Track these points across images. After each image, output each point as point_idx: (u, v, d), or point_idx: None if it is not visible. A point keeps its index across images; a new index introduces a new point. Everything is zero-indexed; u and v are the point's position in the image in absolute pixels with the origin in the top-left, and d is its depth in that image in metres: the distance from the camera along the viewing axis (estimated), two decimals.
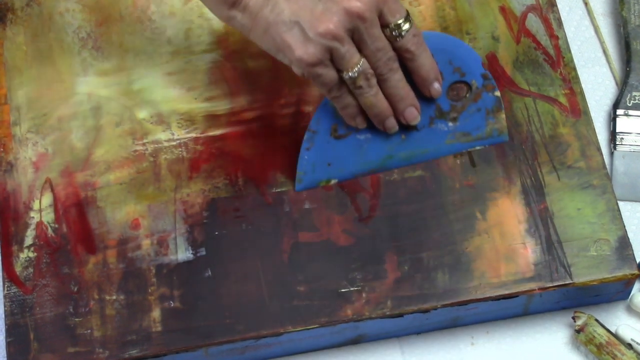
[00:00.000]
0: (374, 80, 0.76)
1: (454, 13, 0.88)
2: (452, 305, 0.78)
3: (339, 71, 0.75)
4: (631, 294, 0.81)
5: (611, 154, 0.86)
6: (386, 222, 0.80)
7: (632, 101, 0.87)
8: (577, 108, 0.84)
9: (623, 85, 0.88)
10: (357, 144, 0.80)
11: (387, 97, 0.78)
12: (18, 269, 0.80)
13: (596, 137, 0.83)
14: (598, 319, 0.80)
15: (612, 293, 0.81)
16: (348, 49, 0.73)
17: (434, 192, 0.81)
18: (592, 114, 0.85)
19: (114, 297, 0.79)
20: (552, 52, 0.86)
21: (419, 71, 0.77)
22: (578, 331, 0.79)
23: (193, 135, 0.84)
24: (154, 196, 0.82)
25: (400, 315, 0.78)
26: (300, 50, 0.73)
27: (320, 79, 0.75)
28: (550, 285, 0.78)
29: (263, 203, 0.81)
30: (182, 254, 0.80)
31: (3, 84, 0.86)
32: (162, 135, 0.84)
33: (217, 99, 0.85)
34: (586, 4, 0.92)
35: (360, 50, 0.75)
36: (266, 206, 0.81)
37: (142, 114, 0.85)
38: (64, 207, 0.82)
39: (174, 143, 0.84)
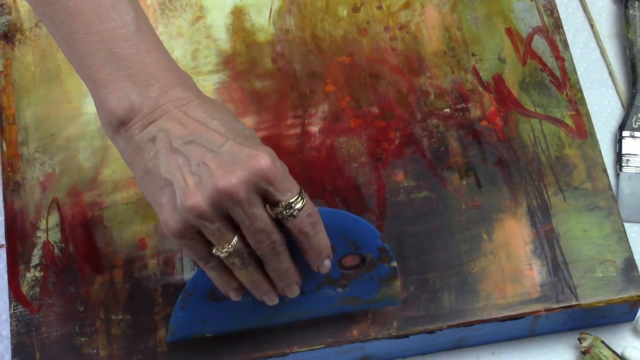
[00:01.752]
0: (250, 260, 0.69)
1: (460, 34, 0.90)
2: (457, 326, 0.79)
3: (211, 244, 0.68)
4: (637, 316, 0.82)
5: (617, 175, 0.87)
6: (392, 243, 0.81)
7: (638, 123, 0.88)
8: (583, 129, 0.85)
9: (629, 107, 0.89)
10: (235, 305, 0.76)
11: (268, 273, 0.71)
12: (24, 288, 0.81)
13: (602, 158, 0.84)
14: (604, 340, 0.81)
15: (618, 314, 0.82)
16: (218, 228, 0.66)
17: (440, 212, 0.83)
18: (598, 135, 0.86)
19: (120, 317, 0.80)
20: (558, 73, 0.88)
21: (310, 251, 0.71)
22: (584, 353, 0.80)
23: None
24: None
25: (406, 336, 0.79)
26: (167, 215, 0.66)
27: (187, 249, 0.69)
28: (556, 306, 0.79)
29: None
30: (188, 273, 0.81)
31: (11, 104, 0.88)
32: None
33: None
34: (592, 25, 0.94)
35: (238, 227, 0.68)
36: None
37: None
38: (71, 227, 0.83)
39: None
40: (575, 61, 0.90)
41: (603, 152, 0.86)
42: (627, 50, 0.91)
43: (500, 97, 0.87)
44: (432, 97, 0.87)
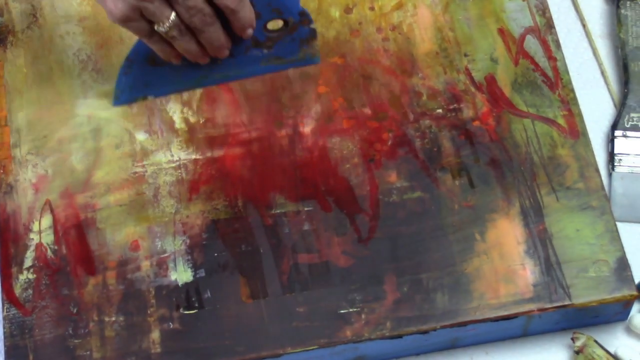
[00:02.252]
0: (186, 31, 0.80)
1: (452, 34, 0.91)
2: (451, 326, 0.79)
3: (151, 23, 0.79)
4: (630, 315, 0.83)
5: (610, 175, 0.88)
6: (386, 244, 0.82)
7: (630, 122, 0.89)
8: (576, 129, 0.86)
9: (621, 107, 0.90)
10: (173, 69, 0.86)
11: (201, 41, 0.83)
12: (17, 290, 0.82)
13: (594, 158, 0.85)
14: (597, 339, 0.81)
15: (611, 314, 0.82)
16: (157, 6, 0.77)
17: (433, 213, 0.83)
18: (591, 135, 0.87)
19: (114, 319, 0.81)
20: (550, 73, 0.89)
21: (236, 23, 0.82)
22: (577, 352, 0.80)
23: (192, 157, 0.86)
24: (153, 218, 0.84)
25: (400, 336, 0.79)
26: (110, 4, 0.77)
27: (132, 29, 0.79)
28: (549, 306, 0.79)
29: (262, 224, 0.83)
30: (182, 275, 0.82)
31: (3, 106, 0.88)
32: (161, 157, 0.86)
33: (216, 121, 0.88)
34: (584, 25, 0.94)
35: (172, 5, 0.78)
36: (265, 227, 0.83)
37: (142, 135, 0.87)
38: (64, 229, 0.84)
39: (174, 165, 0.86)
40: (567, 61, 0.90)
41: (595, 152, 0.87)
42: (619, 49, 0.92)
43: (492, 98, 0.88)
44: (424, 97, 0.88)
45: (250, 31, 0.83)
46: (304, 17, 0.87)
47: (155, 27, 0.79)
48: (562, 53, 0.90)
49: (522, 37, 0.90)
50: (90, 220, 0.84)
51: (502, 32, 0.91)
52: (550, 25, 0.91)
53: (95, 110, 0.88)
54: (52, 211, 0.84)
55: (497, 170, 0.85)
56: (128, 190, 0.85)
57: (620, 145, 0.88)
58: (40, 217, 0.84)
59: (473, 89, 0.88)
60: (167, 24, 0.78)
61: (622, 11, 0.92)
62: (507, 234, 0.82)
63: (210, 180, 0.85)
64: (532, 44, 0.90)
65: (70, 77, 0.89)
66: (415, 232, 0.83)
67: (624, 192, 0.87)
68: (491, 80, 0.89)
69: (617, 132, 0.89)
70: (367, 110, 0.88)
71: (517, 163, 0.85)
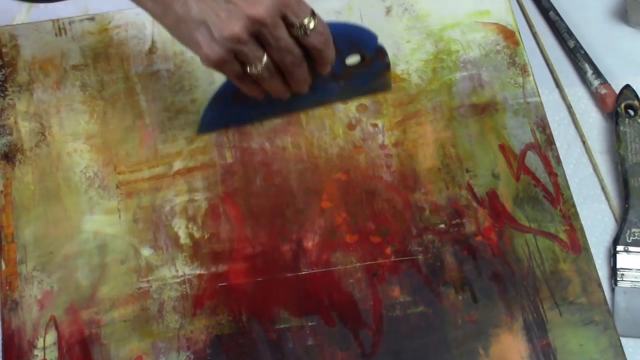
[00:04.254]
0: (275, 72, 0.86)
1: (454, 151, 0.94)
2: None
3: (243, 64, 0.84)
4: None
5: (612, 289, 0.90)
6: (389, 359, 0.84)
7: (631, 237, 0.91)
8: (578, 244, 0.89)
9: (622, 222, 0.92)
10: (254, 102, 0.91)
11: (288, 80, 0.88)
12: None
13: (597, 273, 0.88)
14: None
15: None
16: (251, 49, 0.82)
17: (437, 327, 0.86)
18: (593, 250, 0.89)
19: None
20: (551, 189, 0.92)
21: (319, 61, 0.88)
22: None
23: (197, 272, 0.89)
24: (157, 333, 0.86)
25: None
26: (207, 49, 0.81)
27: (225, 72, 0.84)
28: None
29: (266, 339, 0.86)
30: None
31: (10, 222, 0.91)
32: (166, 272, 0.89)
33: (220, 236, 0.90)
34: (584, 142, 0.97)
35: (265, 47, 0.83)
36: (269, 343, 0.85)
37: (147, 251, 0.90)
38: (68, 345, 0.86)
39: (178, 280, 0.89)
40: (568, 176, 0.93)
41: (597, 267, 0.89)
42: (619, 165, 0.94)
43: (494, 213, 0.91)
44: (427, 213, 0.91)
45: (329, 68, 0.89)
46: (380, 52, 0.94)
47: (248, 69, 0.84)
48: (563, 169, 0.93)
49: (523, 153, 0.94)
50: (94, 336, 0.86)
51: (503, 148, 0.94)
52: (550, 141, 0.94)
53: (101, 226, 0.91)
54: (56, 327, 0.86)
55: (499, 285, 0.87)
56: (132, 305, 0.87)
57: (622, 260, 0.90)
58: (45, 333, 0.86)
59: (475, 204, 0.91)
60: (260, 66, 0.84)
61: (621, 128, 0.96)
62: (511, 349, 0.84)
63: (215, 295, 0.88)
64: (533, 160, 0.93)
65: (77, 194, 0.92)
66: (419, 346, 0.85)
67: (627, 307, 0.89)
68: (493, 195, 0.92)
69: (619, 247, 0.91)
70: (371, 225, 0.91)
71: (520, 278, 0.88)
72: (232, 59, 0.82)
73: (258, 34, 0.82)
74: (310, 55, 0.87)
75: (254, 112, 0.95)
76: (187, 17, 0.81)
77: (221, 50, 0.81)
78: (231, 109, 0.94)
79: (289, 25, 0.83)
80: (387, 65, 0.96)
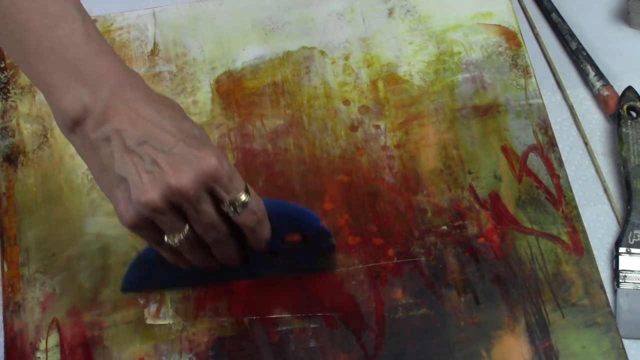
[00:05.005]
0: (197, 245, 0.79)
1: (456, 152, 0.94)
2: None
3: (162, 232, 0.77)
4: None
5: (614, 291, 0.90)
6: None
7: (634, 239, 0.91)
8: (580, 246, 0.89)
9: (625, 224, 0.92)
10: (181, 269, 0.84)
11: (214, 254, 0.81)
12: None
13: (599, 275, 0.88)
14: None
15: None
16: (170, 219, 0.75)
17: (439, 330, 0.86)
18: (595, 252, 0.90)
19: None
20: (553, 191, 0.92)
21: (252, 240, 0.81)
22: None
23: None
24: (160, 335, 0.86)
25: None
26: (122, 209, 0.74)
27: (142, 236, 0.78)
28: None
29: (268, 342, 0.86)
30: None
31: (13, 225, 0.91)
32: None
33: None
34: (586, 143, 0.97)
35: (187, 219, 0.76)
36: (272, 345, 0.86)
37: None
38: (70, 347, 0.86)
39: None
40: (570, 178, 0.93)
41: (600, 269, 0.89)
42: (621, 167, 0.95)
43: (496, 215, 0.91)
44: (429, 214, 0.92)
45: (263, 245, 0.82)
46: (324, 233, 0.87)
47: (166, 239, 0.77)
48: (565, 170, 0.93)
49: (525, 155, 0.94)
50: (97, 338, 0.86)
51: (505, 150, 0.95)
52: (552, 143, 0.95)
53: (103, 228, 0.91)
54: (59, 330, 0.87)
55: (502, 287, 0.88)
56: (135, 307, 0.88)
57: (624, 262, 0.91)
58: (47, 335, 0.86)
59: (477, 206, 0.92)
60: (178, 238, 0.77)
61: (623, 129, 0.96)
62: (513, 351, 0.85)
63: (217, 297, 0.88)
64: (535, 162, 0.94)
65: (79, 196, 0.93)
66: (421, 349, 0.85)
67: (630, 309, 0.89)
68: (495, 197, 0.92)
69: (621, 249, 0.91)
70: (373, 227, 0.91)
71: (522, 280, 0.88)
72: (147, 225, 0.75)
73: (179, 205, 0.74)
74: (241, 233, 0.80)
75: (183, 279, 0.87)
76: (110, 169, 0.74)
77: (135, 215, 0.74)
78: (156, 272, 0.87)
79: (218, 200, 0.76)
80: (331, 246, 0.89)
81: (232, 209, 0.76)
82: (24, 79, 0.97)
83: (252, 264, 0.86)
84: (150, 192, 0.73)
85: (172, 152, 0.73)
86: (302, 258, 0.88)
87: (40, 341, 0.87)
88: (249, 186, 0.77)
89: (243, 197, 0.76)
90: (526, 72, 0.98)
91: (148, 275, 0.87)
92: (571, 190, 0.92)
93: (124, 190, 0.74)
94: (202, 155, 0.74)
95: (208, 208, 0.75)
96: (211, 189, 0.75)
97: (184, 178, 0.73)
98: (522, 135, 0.95)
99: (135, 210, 0.74)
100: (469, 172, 0.93)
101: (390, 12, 1.02)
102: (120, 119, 0.73)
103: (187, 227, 0.76)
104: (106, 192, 0.76)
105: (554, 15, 1.04)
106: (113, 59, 0.76)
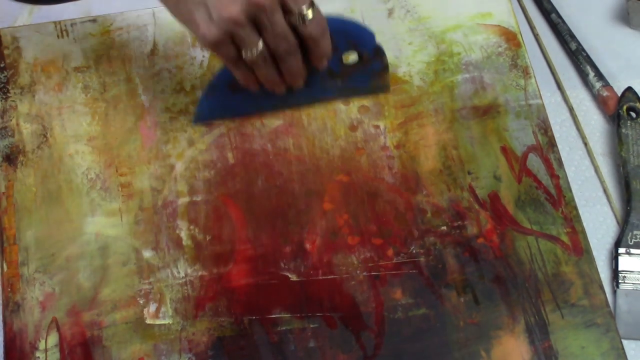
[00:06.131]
0: (270, 60, 0.87)
1: (456, 153, 0.95)
2: None
3: (239, 49, 0.85)
4: None
5: (614, 292, 0.90)
6: None
7: (633, 240, 0.92)
8: (579, 246, 0.90)
9: (624, 224, 0.92)
10: (250, 95, 0.93)
11: (282, 70, 0.89)
12: None
13: (599, 275, 0.88)
14: None
15: None
16: (248, 33, 0.83)
17: (439, 330, 0.86)
18: (594, 252, 0.90)
19: None
20: (553, 191, 0.92)
21: (315, 52, 0.88)
22: None
23: (199, 273, 0.89)
24: (159, 335, 0.87)
25: None
26: (204, 29, 0.82)
27: (221, 54, 0.85)
28: None
29: (268, 342, 0.86)
30: None
31: (12, 224, 0.91)
32: (168, 274, 0.89)
33: (222, 237, 0.91)
34: (586, 144, 0.98)
35: (261, 33, 0.84)
36: (271, 345, 0.86)
37: (148, 253, 0.90)
38: (70, 347, 0.86)
39: (180, 281, 0.89)
40: (570, 179, 0.94)
41: (599, 269, 0.89)
42: (621, 168, 0.95)
43: (496, 215, 0.91)
44: (429, 215, 0.92)
45: (325, 62, 0.90)
46: (379, 51, 0.94)
47: (243, 54, 0.85)
48: (565, 171, 0.93)
49: (525, 156, 0.94)
50: (96, 338, 0.86)
51: (505, 150, 0.95)
52: (552, 143, 0.95)
53: (102, 228, 0.91)
54: (58, 329, 0.87)
55: (501, 287, 0.88)
56: (134, 307, 0.88)
57: (624, 262, 0.91)
58: (47, 335, 0.87)
59: (477, 207, 0.92)
60: (255, 51, 0.84)
61: (623, 130, 0.96)
62: (513, 351, 0.85)
63: (216, 297, 0.88)
64: (534, 162, 0.94)
65: (79, 195, 0.93)
66: (421, 349, 0.85)
67: (629, 309, 0.89)
68: (495, 197, 0.92)
69: (621, 250, 0.91)
70: (372, 227, 0.91)
71: (522, 280, 0.88)
72: (228, 42, 0.83)
73: (255, 18, 0.82)
74: (306, 47, 0.87)
75: (250, 105, 0.95)
76: None
77: (218, 32, 0.82)
78: (226, 99, 0.95)
79: (287, 12, 0.83)
80: (385, 67, 0.96)
81: (300, 20, 0.84)
82: (23, 79, 0.97)
83: (313, 87, 0.93)
84: (231, 7, 0.81)
85: None
86: (359, 79, 0.95)
87: (39, 341, 0.87)
88: (314, 1, 0.84)
89: (309, 10, 0.84)
90: (526, 72, 0.98)
91: (218, 103, 0.94)
92: (571, 191, 0.92)
93: (203, 12, 0.82)
94: None
95: (280, 19, 0.83)
96: (282, 1, 0.82)
97: None
98: (521, 136, 0.95)
99: (217, 27, 0.82)
100: (469, 173, 0.93)
101: (390, 13, 1.02)
102: None
103: (261, 41, 0.84)
104: (184, 21, 0.84)
105: (553, 15, 1.04)
106: None
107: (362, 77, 0.96)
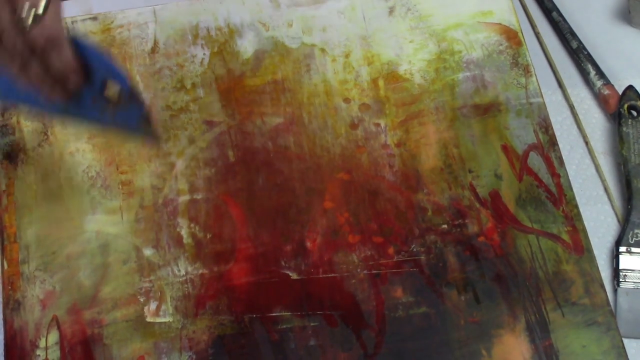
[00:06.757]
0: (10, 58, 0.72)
1: (457, 151, 0.95)
2: None
3: None
4: None
5: (615, 290, 0.90)
6: (392, 359, 0.84)
7: (634, 238, 0.92)
8: (580, 245, 0.89)
9: (625, 223, 0.92)
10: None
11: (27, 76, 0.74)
12: None
13: (599, 274, 0.88)
14: None
15: None
16: None
17: (439, 328, 0.86)
18: (595, 251, 0.90)
19: None
20: (554, 190, 0.92)
21: (50, 68, 0.75)
22: None
23: (199, 272, 0.89)
24: (160, 333, 0.87)
25: None
26: None
27: None
28: None
29: (268, 340, 0.86)
30: None
31: (13, 222, 0.91)
32: (168, 272, 0.89)
33: (222, 236, 0.91)
34: (587, 143, 0.98)
35: None
36: (272, 343, 0.86)
37: (149, 251, 0.90)
38: (70, 345, 0.86)
39: (181, 279, 0.89)
40: (570, 177, 0.94)
41: (600, 268, 0.89)
42: (622, 166, 0.95)
43: (497, 213, 0.91)
44: (429, 213, 0.92)
45: (71, 86, 0.77)
46: (133, 95, 0.82)
47: None
48: (566, 170, 0.93)
49: (526, 154, 0.94)
50: (96, 336, 0.87)
51: (505, 148, 0.95)
52: (553, 142, 0.95)
53: (103, 226, 0.91)
54: (59, 327, 0.87)
55: (502, 285, 0.88)
56: (135, 305, 0.88)
57: (625, 261, 0.91)
58: (47, 333, 0.87)
59: (478, 205, 0.92)
60: None
61: (624, 129, 0.96)
62: (514, 350, 0.85)
63: (217, 295, 0.88)
64: (535, 161, 0.94)
65: (80, 193, 0.93)
66: (421, 347, 0.85)
67: (630, 308, 0.89)
68: (495, 196, 0.92)
69: (622, 248, 0.91)
70: (373, 225, 0.91)
71: (523, 279, 0.88)
72: None
73: None
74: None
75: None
76: None
77: None
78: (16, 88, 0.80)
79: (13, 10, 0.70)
80: (145, 114, 0.85)
81: (24, 20, 0.70)
82: None
83: (83, 107, 0.79)
84: None
85: None
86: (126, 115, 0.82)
87: (40, 339, 0.87)
88: (58, 3, 0.71)
89: (39, 9, 0.70)
90: (527, 70, 0.98)
91: (10, 87, 0.79)
92: (571, 189, 0.92)
93: None
94: None
95: (3, 14, 0.69)
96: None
97: None
98: (522, 134, 0.95)
99: None
100: (470, 171, 0.93)
101: (391, 11, 1.02)
102: None
103: None
104: None
105: (554, 14, 1.04)
106: None
107: (125, 118, 0.83)
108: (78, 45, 0.77)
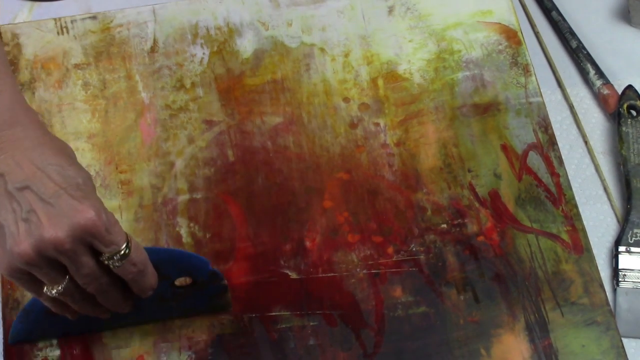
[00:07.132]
0: (80, 295, 0.75)
1: (456, 151, 0.94)
2: None
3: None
4: None
5: (614, 290, 0.90)
6: (391, 359, 0.84)
7: (634, 238, 0.92)
8: (579, 245, 0.89)
9: (624, 223, 0.92)
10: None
11: (101, 302, 0.78)
12: None
13: (599, 273, 0.88)
14: None
15: None
16: (47, 272, 0.72)
17: (439, 328, 0.86)
18: (594, 250, 0.90)
19: None
20: (553, 189, 0.92)
21: (135, 289, 0.78)
22: None
23: None
24: (159, 332, 0.86)
25: None
26: None
27: (19, 285, 0.74)
28: None
29: (268, 339, 0.86)
30: None
31: None
32: None
33: (221, 235, 0.91)
34: (586, 142, 0.98)
35: (67, 271, 0.73)
36: (271, 342, 0.86)
37: None
38: (69, 345, 0.86)
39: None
40: (570, 177, 0.94)
41: (599, 267, 0.89)
42: (621, 166, 0.95)
43: (496, 213, 0.91)
44: (429, 212, 0.92)
45: (149, 293, 0.79)
46: (215, 276, 0.85)
47: (45, 290, 0.73)
48: (565, 169, 0.93)
49: (525, 154, 0.94)
50: (95, 336, 0.86)
51: (505, 148, 0.95)
52: (552, 142, 0.95)
53: None
54: None
55: (501, 285, 0.88)
56: None
57: (624, 261, 0.91)
58: None
59: (477, 205, 0.92)
60: (57, 289, 0.73)
61: (624, 128, 0.96)
62: (513, 350, 0.85)
63: None
64: (535, 160, 0.94)
65: None
66: (421, 347, 0.85)
67: (629, 308, 0.89)
68: (495, 195, 0.92)
69: (621, 248, 0.91)
70: (372, 225, 0.91)
71: (522, 278, 0.88)
72: (24, 276, 0.72)
73: (55, 258, 0.71)
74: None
75: (73, 327, 0.85)
76: None
77: (9, 265, 0.71)
78: (46, 322, 0.84)
79: (98, 253, 0.73)
80: (223, 288, 0.86)
81: (111, 262, 0.73)
82: (23, 76, 0.97)
83: (142, 309, 0.83)
84: (24, 244, 0.70)
85: (51, 201, 0.70)
86: (194, 301, 0.86)
87: None
88: (130, 236, 0.74)
89: (122, 249, 0.73)
90: (526, 70, 0.98)
91: (37, 326, 0.85)
92: (571, 189, 0.92)
93: (0, 236, 0.71)
94: (80, 208, 0.70)
95: (87, 260, 0.72)
96: (89, 242, 0.71)
97: (59, 231, 0.70)
98: (522, 134, 0.95)
99: (8, 260, 0.71)
100: (469, 170, 0.93)
101: (391, 10, 1.02)
102: (6, 159, 0.71)
103: (67, 278, 0.73)
104: None
105: (554, 13, 1.04)
106: (10, 95, 0.74)
107: (199, 299, 0.86)
108: (151, 253, 0.78)
